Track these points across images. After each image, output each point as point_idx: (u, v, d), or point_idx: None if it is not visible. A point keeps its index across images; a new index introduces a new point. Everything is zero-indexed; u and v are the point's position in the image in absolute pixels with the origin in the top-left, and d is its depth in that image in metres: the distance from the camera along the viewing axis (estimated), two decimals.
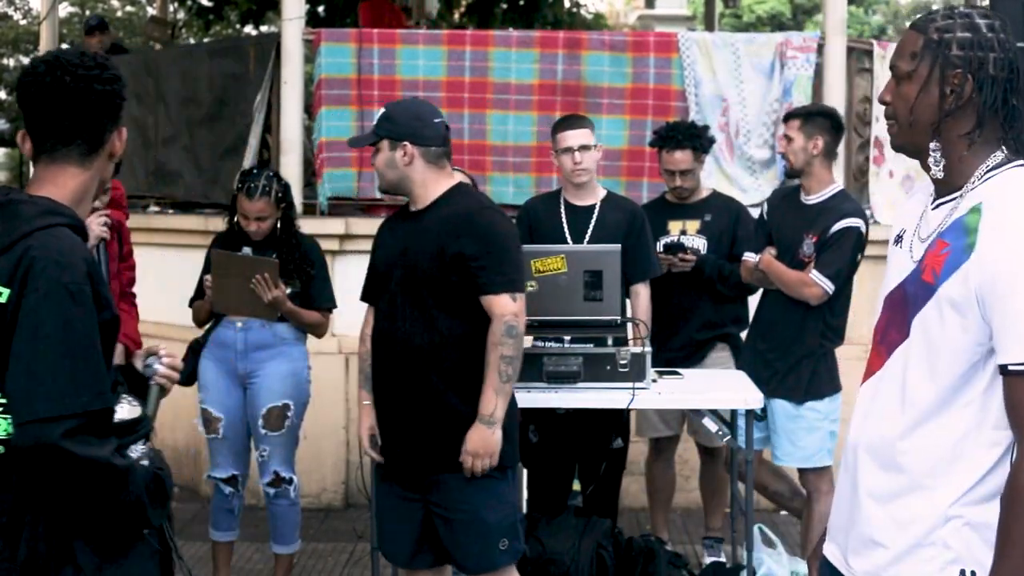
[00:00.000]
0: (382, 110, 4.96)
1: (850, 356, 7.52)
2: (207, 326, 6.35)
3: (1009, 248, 2.67)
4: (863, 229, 6.19)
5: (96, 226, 5.87)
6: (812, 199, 6.31)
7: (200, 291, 6.34)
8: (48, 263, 2.77)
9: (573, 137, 6.38)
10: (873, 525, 2.89)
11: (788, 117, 6.51)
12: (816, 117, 6.36)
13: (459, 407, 4.76)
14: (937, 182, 2.90)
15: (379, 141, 4.87)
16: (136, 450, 3.14)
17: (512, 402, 4.85)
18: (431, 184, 4.87)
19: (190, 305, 6.43)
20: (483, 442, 4.70)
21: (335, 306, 6.47)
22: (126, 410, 3.08)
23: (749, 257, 6.45)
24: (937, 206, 2.88)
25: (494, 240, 4.77)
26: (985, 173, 2.81)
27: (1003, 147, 2.82)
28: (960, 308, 2.72)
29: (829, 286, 6.11)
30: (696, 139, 6.74)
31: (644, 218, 6.44)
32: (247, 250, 6.23)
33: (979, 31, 2.80)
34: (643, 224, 6.39)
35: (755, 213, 6.80)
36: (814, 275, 6.12)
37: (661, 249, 6.72)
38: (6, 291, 2.78)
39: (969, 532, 2.76)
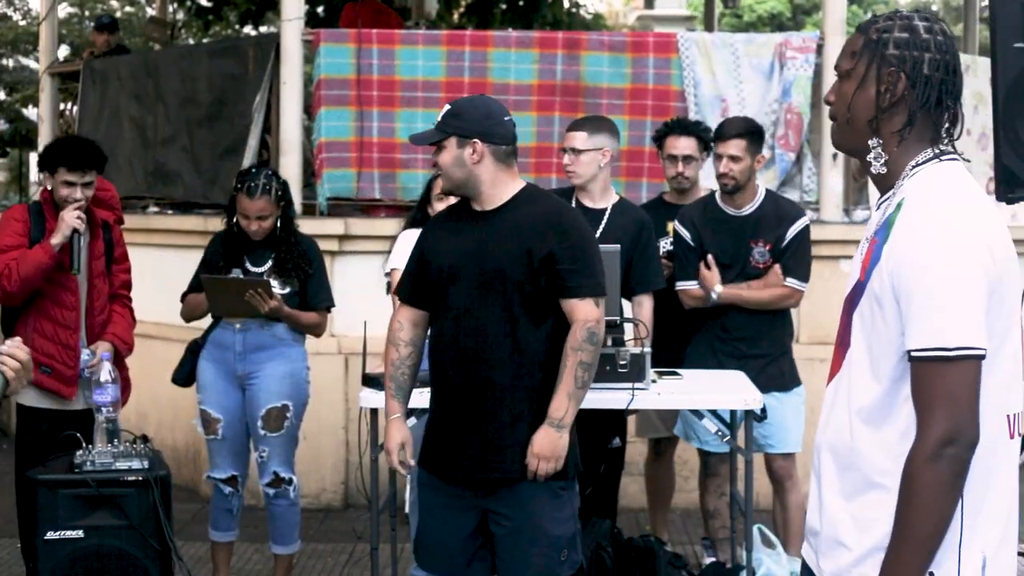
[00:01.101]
0: (447, 107, 4.78)
1: None
2: (207, 327, 6.35)
3: (915, 237, 2.74)
4: (809, 223, 6.51)
5: (69, 217, 5.86)
6: (747, 210, 6.48)
7: (196, 284, 6.35)
8: None
9: (569, 138, 6.39)
10: (836, 526, 2.90)
11: (727, 137, 6.58)
12: (755, 135, 6.53)
13: (532, 413, 4.65)
14: (877, 181, 2.97)
15: (445, 139, 4.70)
16: None
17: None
18: (500, 184, 4.72)
19: (182, 299, 6.42)
20: (551, 445, 4.58)
21: (333, 305, 6.47)
22: None
23: (690, 286, 6.54)
24: (879, 205, 2.95)
25: (582, 243, 4.70)
26: (911, 169, 2.87)
27: (935, 146, 2.88)
28: (881, 301, 2.79)
29: (805, 287, 6.42)
30: (701, 130, 6.79)
31: (652, 229, 6.42)
32: (236, 272, 6.24)
33: (916, 32, 2.86)
34: (651, 235, 6.38)
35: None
36: (791, 283, 6.39)
37: (664, 254, 6.70)
38: None
39: None
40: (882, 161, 2.91)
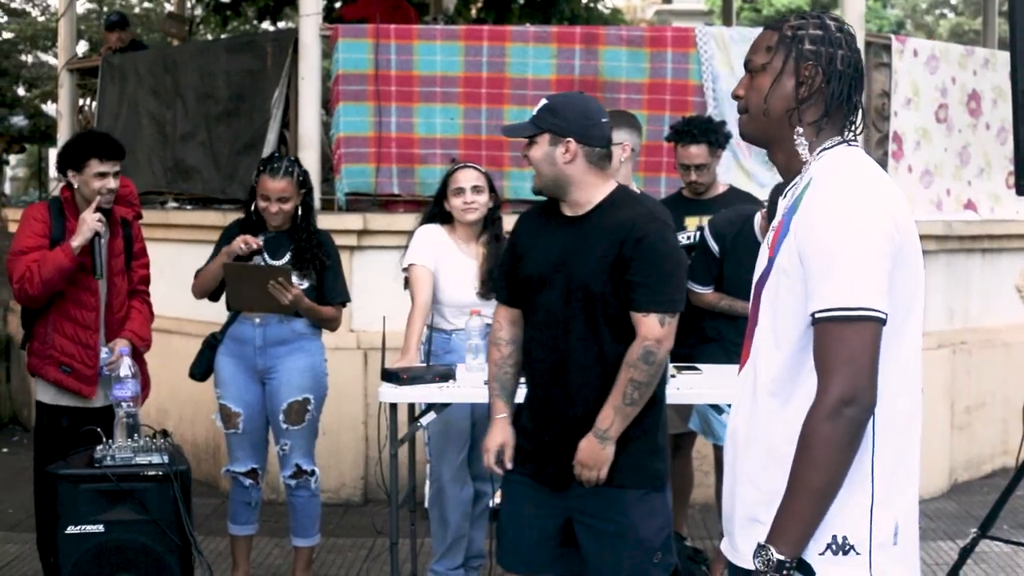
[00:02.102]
0: (544, 101, 4.60)
1: None
2: (224, 322, 6.36)
3: (820, 207, 2.84)
4: None
5: (91, 220, 5.87)
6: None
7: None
8: None
9: None
10: (748, 504, 2.96)
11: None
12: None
13: (629, 424, 4.54)
14: (784, 169, 3.08)
15: (539, 134, 4.54)
16: None
17: (663, 418, 4.69)
18: (591, 188, 4.54)
19: (196, 276, 6.41)
20: (593, 455, 4.47)
21: (349, 300, 6.47)
22: None
23: (704, 291, 6.67)
24: (785, 194, 3.05)
25: (656, 254, 4.46)
26: (818, 154, 2.98)
27: (843, 135, 3.02)
28: (788, 271, 2.88)
29: None
30: (712, 134, 6.73)
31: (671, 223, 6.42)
32: (257, 260, 6.24)
33: (829, 30, 3.00)
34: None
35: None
36: None
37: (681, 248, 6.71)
38: None
39: (838, 496, 2.80)
40: (805, 148, 3.01)
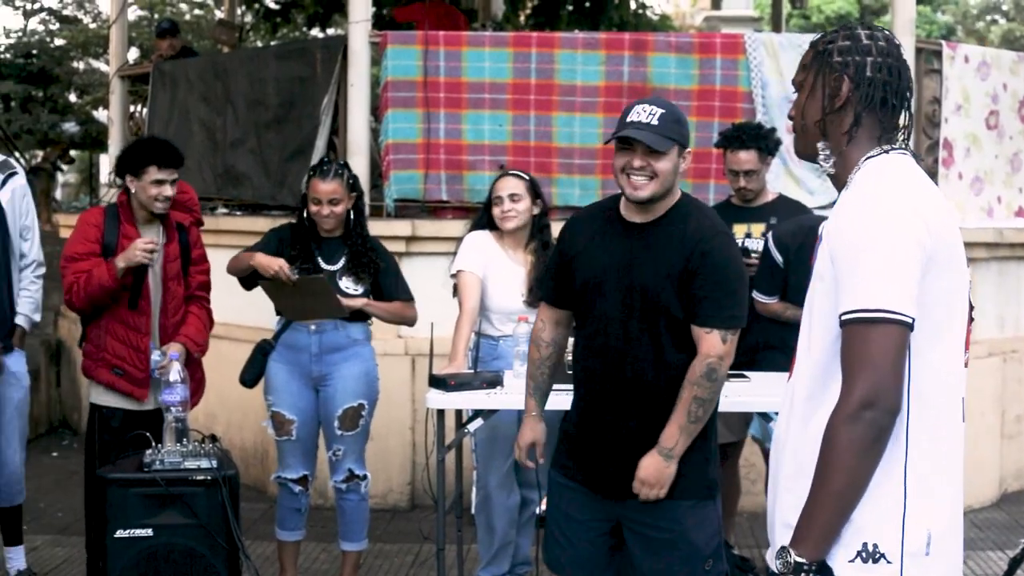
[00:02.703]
0: (660, 109, 4.44)
1: None
2: (277, 330, 6.37)
3: (851, 211, 2.87)
4: None
5: (138, 250, 5.90)
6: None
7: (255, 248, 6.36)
8: None
9: None
10: (784, 509, 2.96)
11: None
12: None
13: None
14: (833, 180, 3.10)
15: (672, 147, 4.44)
16: None
17: (715, 426, 4.64)
18: (670, 196, 4.52)
19: (234, 257, 6.39)
20: (658, 473, 4.44)
21: (412, 298, 6.47)
22: None
23: (768, 301, 6.64)
24: (835, 203, 3.06)
25: (722, 269, 4.43)
26: (863, 162, 2.99)
27: (882, 143, 3.02)
28: (823, 276, 2.91)
29: None
30: (762, 140, 6.70)
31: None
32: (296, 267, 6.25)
33: (858, 39, 3.03)
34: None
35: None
36: None
37: None
38: None
39: (868, 502, 2.79)
40: (831, 162, 3.05)
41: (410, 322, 6.47)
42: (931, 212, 2.83)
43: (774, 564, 2.86)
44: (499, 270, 6.25)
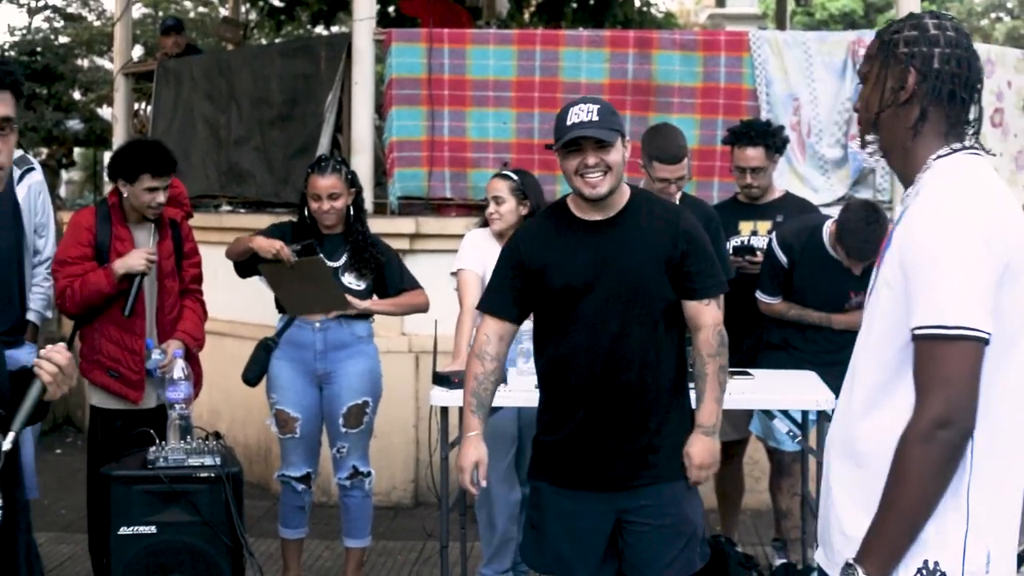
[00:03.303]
0: (596, 106, 4.50)
1: None
2: (280, 327, 6.37)
3: (923, 219, 2.76)
4: None
5: (137, 261, 5.92)
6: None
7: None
8: None
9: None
10: (840, 514, 2.91)
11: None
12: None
13: (676, 414, 4.67)
14: (900, 176, 3.02)
15: (617, 139, 4.51)
16: None
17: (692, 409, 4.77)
18: (621, 189, 4.60)
19: (234, 241, 6.41)
20: (709, 453, 4.62)
21: (419, 285, 6.48)
22: None
23: (771, 301, 6.63)
24: (904, 200, 2.98)
25: (704, 243, 4.65)
26: (931, 162, 2.89)
27: (950, 139, 2.92)
28: (891, 283, 2.81)
29: None
30: (770, 137, 6.69)
31: (719, 222, 6.40)
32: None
33: (925, 30, 2.92)
34: (718, 228, 6.34)
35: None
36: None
37: (730, 251, 6.69)
38: None
39: (931, 519, 2.73)
40: (879, 156, 3.01)
41: (423, 308, 6.50)
42: (1007, 219, 2.75)
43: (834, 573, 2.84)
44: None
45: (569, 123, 4.48)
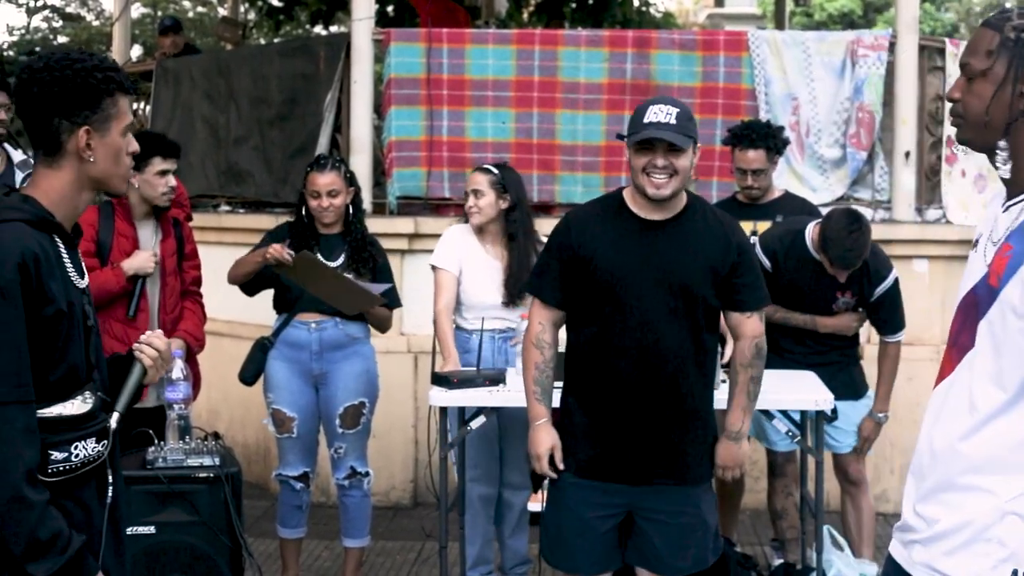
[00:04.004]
0: (676, 109, 4.57)
1: (921, 357, 7.49)
2: (276, 327, 6.37)
3: None
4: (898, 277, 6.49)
5: (145, 260, 5.92)
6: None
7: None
8: None
9: None
10: (933, 519, 2.87)
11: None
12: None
13: (706, 417, 4.80)
14: (1006, 183, 2.86)
15: (692, 145, 4.60)
16: (86, 447, 3.11)
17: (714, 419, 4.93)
18: (681, 193, 4.69)
19: (235, 263, 6.40)
20: (736, 457, 4.86)
21: (400, 306, 6.51)
22: (75, 406, 3.07)
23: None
24: (1007, 208, 2.84)
25: (752, 256, 4.82)
26: None
27: None
28: (1019, 313, 2.69)
29: (902, 335, 6.57)
30: (771, 139, 6.70)
31: None
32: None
33: None
34: None
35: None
36: (889, 339, 6.51)
37: None
38: None
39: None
40: (1010, 164, 2.82)
41: (384, 329, 6.53)
42: None
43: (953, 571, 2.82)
44: (475, 265, 6.28)
45: (646, 121, 4.55)
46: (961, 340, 2.88)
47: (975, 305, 2.83)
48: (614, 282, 4.64)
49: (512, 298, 6.20)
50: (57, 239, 3.05)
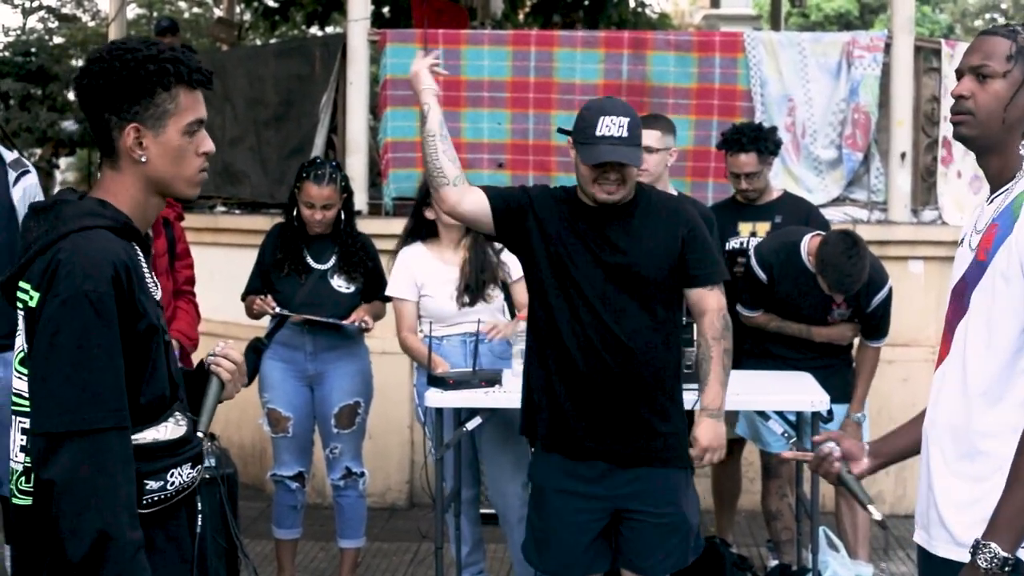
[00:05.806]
0: (625, 119, 4.56)
1: (916, 358, 7.49)
2: (270, 328, 6.38)
3: None
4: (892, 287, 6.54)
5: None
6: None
7: (253, 285, 6.37)
8: (71, 268, 2.64)
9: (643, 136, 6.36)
10: (952, 493, 2.99)
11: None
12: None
13: (673, 401, 4.75)
14: (995, 177, 3.08)
15: (639, 164, 4.67)
16: (181, 474, 2.92)
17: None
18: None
19: (243, 298, 6.46)
20: (716, 436, 4.70)
21: (390, 299, 6.49)
22: (168, 429, 2.88)
23: (753, 315, 6.64)
24: (992, 200, 3.05)
25: (703, 232, 4.78)
26: None
27: None
28: (1008, 276, 2.88)
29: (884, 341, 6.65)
30: (762, 141, 6.68)
31: (714, 222, 6.38)
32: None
33: None
34: (712, 229, 6.32)
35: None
36: (874, 344, 6.57)
37: (733, 251, 6.69)
38: (36, 295, 2.68)
39: None
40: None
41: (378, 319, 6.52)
42: None
43: (956, 553, 2.92)
44: (432, 281, 6.25)
45: (599, 134, 4.52)
46: (953, 322, 3.05)
47: (964, 286, 3.02)
48: (567, 267, 4.62)
49: (473, 298, 6.15)
50: (136, 246, 2.84)
